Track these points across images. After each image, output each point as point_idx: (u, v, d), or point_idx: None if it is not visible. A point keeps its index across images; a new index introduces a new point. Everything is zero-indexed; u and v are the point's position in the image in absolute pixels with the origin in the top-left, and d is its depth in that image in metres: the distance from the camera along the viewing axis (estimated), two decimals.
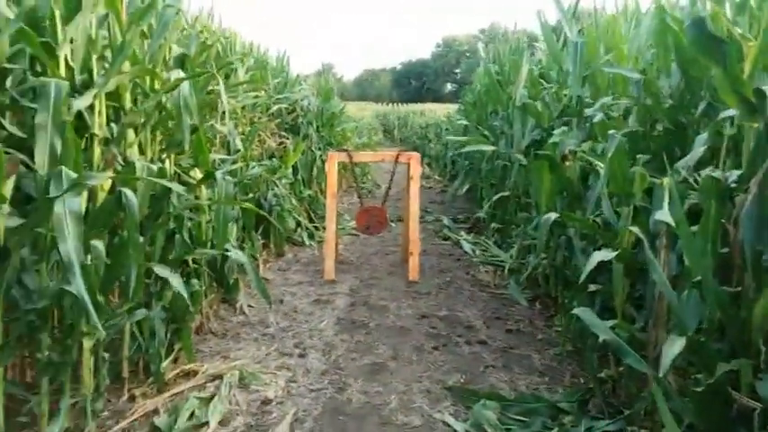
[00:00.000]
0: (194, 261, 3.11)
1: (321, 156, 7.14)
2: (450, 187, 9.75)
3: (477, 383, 2.86)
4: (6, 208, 1.79)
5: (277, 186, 5.23)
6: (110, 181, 2.25)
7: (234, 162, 3.85)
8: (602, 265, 2.37)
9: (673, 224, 1.80)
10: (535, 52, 5.76)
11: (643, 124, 2.83)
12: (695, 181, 2.09)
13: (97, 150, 2.31)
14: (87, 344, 2.10)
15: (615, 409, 2.41)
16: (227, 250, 3.08)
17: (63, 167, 1.82)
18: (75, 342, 2.03)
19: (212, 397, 2.56)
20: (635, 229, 2.21)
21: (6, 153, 1.77)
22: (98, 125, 2.31)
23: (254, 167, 4.47)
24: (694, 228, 1.84)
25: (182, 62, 2.94)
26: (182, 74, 2.73)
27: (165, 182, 2.42)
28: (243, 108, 4.77)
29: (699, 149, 2.18)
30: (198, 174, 3.11)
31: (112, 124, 2.43)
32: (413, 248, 4.70)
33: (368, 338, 3.43)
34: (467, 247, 5.75)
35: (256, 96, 5.07)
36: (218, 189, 3.22)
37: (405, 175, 5.07)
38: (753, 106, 1.79)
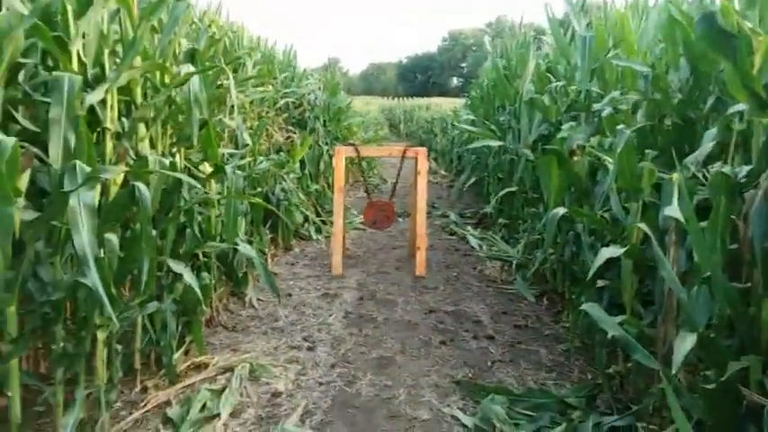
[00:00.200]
0: (204, 255, 3.13)
1: (328, 150, 7.16)
2: (456, 182, 9.75)
3: (485, 378, 2.87)
4: (22, 201, 1.81)
5: (285, 181, 5.24)
6: (122, 175, 2.26)
7: (242, 156, 3.87)
8: (611, 261, 2.37)
9: (682, 220, 1.80)
10: (542, 46, 5.74)
11: (652, 119, 2.82)
12: (704, 176, 2.09)
13: (109, 144, 2.33)
14: (101, 336, 2.13)
15: (623, 405, 2.42)
16: (236, 244, 3.10)
17: (77, 161, 1.84)
18: (88, 334, 2.05)
19: (223, 389, 2.59)
20: (643, 226, 2.21)
21: (21, 147, 1.79)
22: (110, 119, 2.32)
23: (262, 162, 4.49)
24: (703, 224, 1.84)
25: (191, 56, 2.95)
26: (191, 68, 2.75)
27: (179, 174, 2.44)
28: (251, 102, 4.78)
29: (708, 145, 2.17)
30: (207, 168, 3.13)
31: (124, 119, 2.45)
32: (420, 243, 4.71)
33: (376, 332, 3.45)
34: (474, 242, 5.76)
35: (264, 91, 5.08)
36: (229, 183, 3.25)
37: (411, 170, 5.08)
38: (763, 101, 1.79)
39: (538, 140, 4.66)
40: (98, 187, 2.13)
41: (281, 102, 5.85)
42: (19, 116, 2.03)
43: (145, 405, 2.44)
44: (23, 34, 1.91)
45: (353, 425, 2.42)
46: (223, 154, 3.51)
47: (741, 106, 1.99)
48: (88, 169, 1.84)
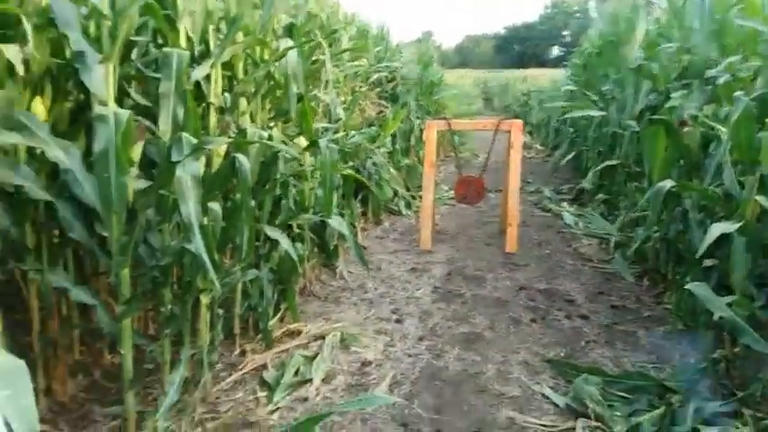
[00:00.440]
0: (298, 226, 3.24)
1: (419, 124, 7.12)
2: (552, 157, 9.41)
3: (578, 358, 2.78)
4: (135, 171, 1.95)
5: (375, 155, 5.29)
6: (224, 147, 2.38)
7: (336, 131, 3.94)
8: (720, 239, 2.21)
9: None
10: (652, 10, 5.35)
11: None
12: None
13: (213, 118, 2.44)
14: (204, 300, 2.26)
15: (728, 391, 2.27)
16: (329, 217, 3.18)
17: (184, 134, 1.95)
18: (192, 298, 2.20)
19: (316, 355, 2.69)
20: (762, 199, 2.03)
21: (134, 120, 1.92)
22: (214, 94, 2.43)
23: (353, 136, 4.54)
24: None
25: (289, 31, 3.02)
26: (290, 43, 2.81)
27: (278, 144, 2.52)
28: (345, 77, 4.84)
29: None
30: (302, 142, 3.21)
31: (226, 94, 2.56)
32: (511, 219, 4.60)
33: (464, 308, 3.43)
34: (569, 219, 5.55)
35: (358, 65, 5.13)
36: (323, 157, 3.32)
37: (504, 144, 4.95)
38: None
39: (644, 111, 4.38)
40: (202, 159, 2.25)
41: (374, 76, 5.88)
42: (132, 91, 2.18)
43: (243, 367, 2.59)
44: (137, 13, 2.02)
45: (440, 397, 2.44)
46: (317, 128, 3.60)
47: None
48: (194, 141, 1.95)
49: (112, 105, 1.82)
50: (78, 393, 2.32)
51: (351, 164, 4.76)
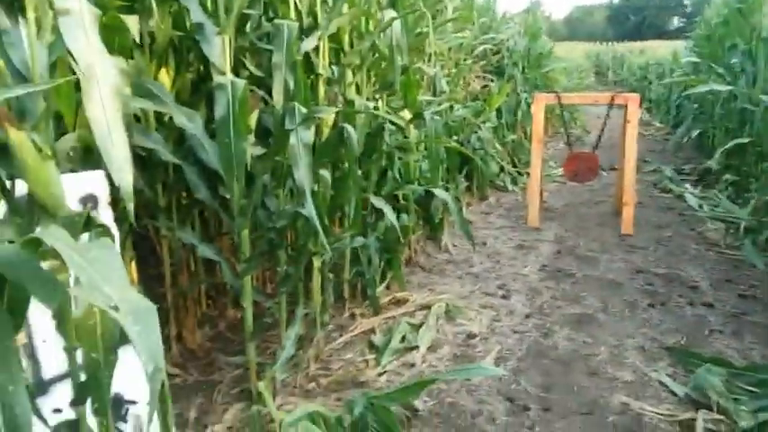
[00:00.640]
0: (404, 198, 3.24)
1: (526, 99, 6.86)
2: (673, 135, 8.75)
3: (701, 347, 2.57)
4: (251, 138, 2.03)
5: (480, 130, 5.17)
6: (333, 118, 2.41)
7: (440, 104, 3.88)
8: None
9: None
10: None
11: None
12: None
13: (322, 89, 2.47)
14: (316, 263, 2.34)
15: None
16: (434, 188, 3.16)
17: (296, 103, 2.00)
18: (305, 260, 2.28)
19: (421, 324, 2.70)
20: None
21: (249, 90, 1.99)
22: (322, 66, 2.47)
23: (458, 110, 4.46)
24: None
25: (393, 3, 2.99)
26: (394, 14, 2.78)
27: (384, 114, 2.52)
28: (449, 50, 4.74)
29: None
30: (407, 114, 3.19)
31: (333, 66, 2.58)
32: (627, 199, 4.32)
33: (575, 288, 3.29)
34: (692, 201, 5.14)
35: (462, 37, 5.00)
36: (427, 130, 3.28)
37: (619, 121, 4.64)
38: None
39: None
40: (313, 128, 2.30)
41: (479, 48, 5.72)
42: (247, 62, 2.26)
43: (353, 330, 2.67)
44: None
45: (549, 375, 2.35)
46: (421, 101, 3.56)
47: None
48: (305, 110, 1.99)
49: (230, 75, 1.89)
50: (205, 342, 2.54)
51: (455, 138, 4.68)
